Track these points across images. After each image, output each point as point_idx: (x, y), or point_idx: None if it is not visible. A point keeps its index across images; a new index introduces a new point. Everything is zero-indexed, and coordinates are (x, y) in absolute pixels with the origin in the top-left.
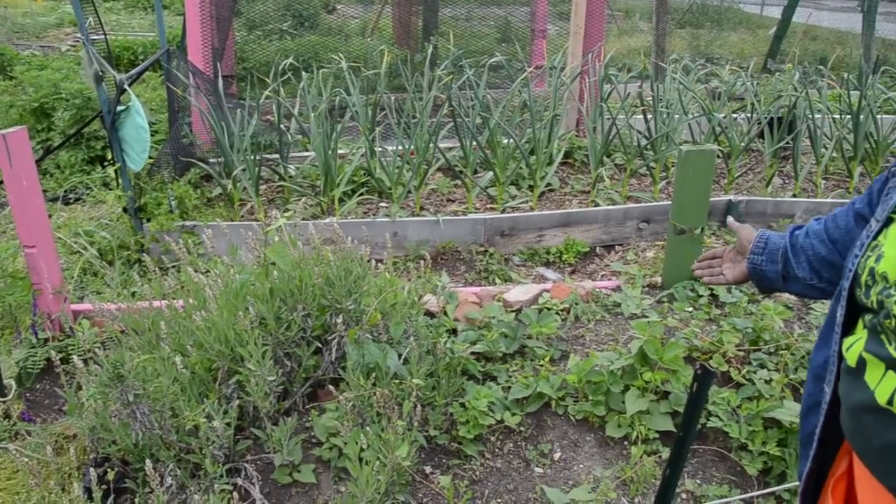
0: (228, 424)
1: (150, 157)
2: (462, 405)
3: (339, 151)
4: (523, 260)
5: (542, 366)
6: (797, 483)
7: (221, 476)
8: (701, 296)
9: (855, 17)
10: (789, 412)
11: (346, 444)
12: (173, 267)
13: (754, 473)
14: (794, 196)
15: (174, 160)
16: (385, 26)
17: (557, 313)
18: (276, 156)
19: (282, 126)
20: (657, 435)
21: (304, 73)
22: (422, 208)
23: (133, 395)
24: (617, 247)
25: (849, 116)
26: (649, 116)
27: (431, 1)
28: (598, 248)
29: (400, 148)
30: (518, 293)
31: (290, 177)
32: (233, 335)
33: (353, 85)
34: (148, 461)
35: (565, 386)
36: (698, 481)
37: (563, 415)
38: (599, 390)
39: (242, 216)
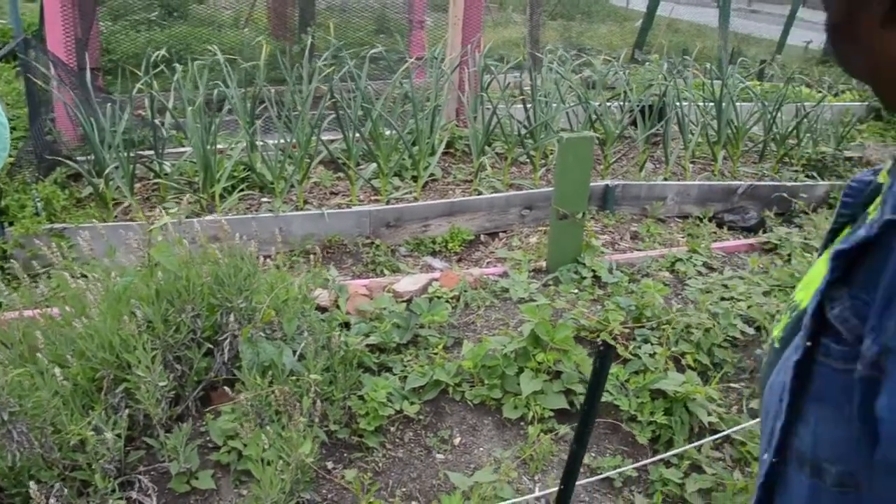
0: (118, 436)
1: (10, 156)
2: (360, 398)
3: (218, 146)
4: (410, 250)
5: (436, 354)
6: (684, 448)
7: (113, 491)
8: (584, 277)
9: (712, 11)
10: (673, 382)
11: (245, 445)
12: (44, 273)
13: (645, 442)
14: (665, 179)
15: (38, 159)
16: (259, 17)
17: (447, 301)
18: (151, 152)
19: (156, 121)
20: (552, 413)
21: (177, 65)
22: (305, 202)
23: (8, 414)
24: (501, 234)
25: (712, 104)
26: (528, 106)
27: None
28: (482, 235)
29: (282, 141)
30: (408, 283)
31: (166, 174)
32: (118, 341)
33: (231, 77)
34: (32, 483)
35: (461, 372)
36: (593, 454)
37: (461, 400)
38: (494, 374)
39: (116, 216)
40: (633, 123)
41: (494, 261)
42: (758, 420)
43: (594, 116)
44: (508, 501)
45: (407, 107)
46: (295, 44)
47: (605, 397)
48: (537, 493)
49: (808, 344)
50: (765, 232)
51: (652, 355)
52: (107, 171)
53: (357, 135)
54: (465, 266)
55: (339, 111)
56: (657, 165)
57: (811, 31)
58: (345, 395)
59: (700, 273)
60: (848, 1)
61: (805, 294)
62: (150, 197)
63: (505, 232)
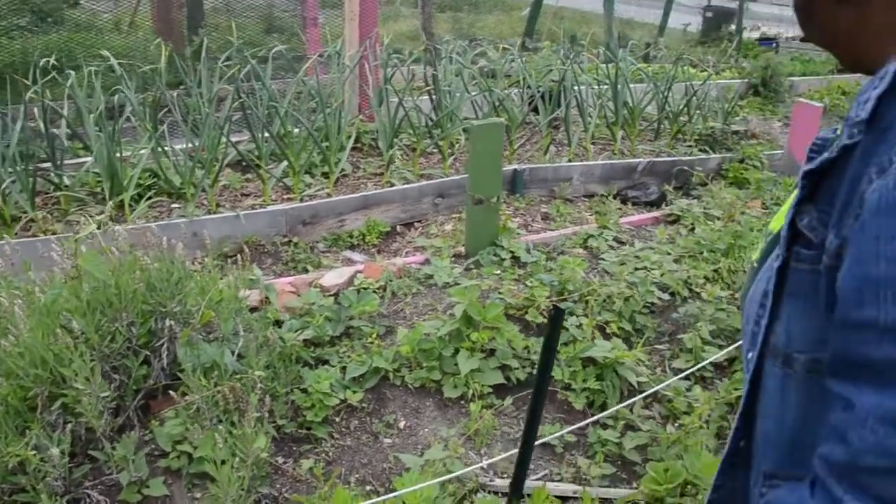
0: (63, 452)
1: None
2: (304, 391)
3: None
4: (328, 246)
5: (371, 343)
6: (617, 408)
7: None
8: (504, 259)
9: None
10: (602, 349)
11: (196, 448)
12: None
13: (581, 407)
14: (570, 161)
15: None
16: (143, 20)
17: (374, 292)
18: (48, 164)
19: (52, 131)
20: (490, 389)
21: (71, 72)
22: (217, 205)
23: None
24: (416, 223)
25: (607, 87)
26: (434, 97)
27: None
28: (398, 226)
29: (190, 146)
30: (333, 277)
31: (66, 186)
32: (51, 356)
33: (128, 83)
34: None
35: (399, 358)
36: None
37: (401, 385)
38: (432, 356)
39: (17, 233)
40: (535, 109)
41: (413, 250)
42: (680, 376)
43: (497, 104)
44: (462, 470)
45: (311, 104)
46: (186, 46)
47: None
48: (485, 463)
49: (786, 252)
50: (666, 205)
51: (579, 326)
52: (3, 186)
53: (266, 134)
54: (386, 257)
55: (245, 111)
56: (560, 148)
57: (688, 15)
58: (288, 389)
59: (611, 247)
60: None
61: (778, 223)
62: (51, 211)
63: (420, 221)
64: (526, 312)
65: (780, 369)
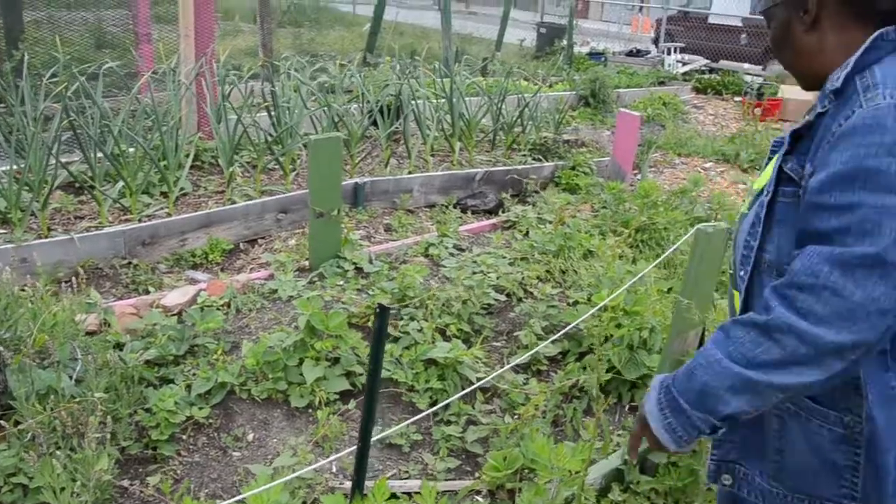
0: None
1: None
2: (148, 411)
3: None
4: (170, 266)
5: (216, 359)
6: (448, 401)
7: None
8: (347, 270)
9: (433, 14)
10: (442, 350)
11: (32, 478)
12: None
13: (424, 406)
14: (410, 173)
15: None
16: None
17: (219, 309)
18: None
19: None
20: (337, 396)
21: None
22: (49, 229)
23: None
24: (260, 240)
25: (444, 100)
26: (273, 112)
27: (11, 4)
28: (241, 244)
29: (15, 168)
30: (176, 297)
31: None
32: None
33: None
34: None
35: (245, 371)
36: (380, 427)
37: (248, 398)
38: (277, 368)
39: None
40: (375, 123)
41: (258, 266)
42: (508, 367)
43: (336, 119)
44: (304, 469)
45: (147, 122)
46: (5, 61)
47: (384, 373)
48: (331, 458)
49: (774, 189)
50: (503, 212)
51: (420, 330)
52: None
53: (99, 154)
54: (230, 274)
55: (76, 130)
56: (401, 161)
57: (524, 30)
58: (131, 411)
59: (451, 254)
60: (784, 24)
61: (759, 183)
62: None
63: (264, 238)
64: (368, 320)
65: (774, 279)
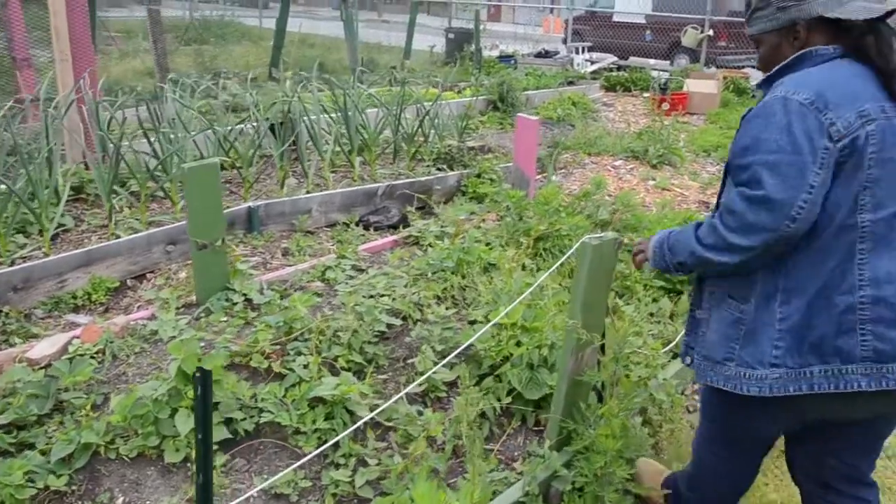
0: None
1: None
2: None
3: None
4: (48, 311)
5: (84, 416)
6: (332, 441)
7: None
8: (236, 303)
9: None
10: (328, 387)
11: None
12: None
13: (311, 450)
14: (308, 192)
15: None
16: None
17: (93, 357)
18: None
19: None
20: (217, 446)
21: None
22: None
23: None
24: (149, 274)
25: (340, 114)
26: (152, 139)
27: None
28: (128, 280)
29: None
30: (44, 348)
31: None
32: None
33: None
34: None
35: (112, 428)
36: (266, 476)
37: (118, 458)
38: (147, 421)
39: None
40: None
41: (145, 304)
42: (416, 404)
43: (224, 141)
44: None
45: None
46: None
47: (266, 416)
48: None
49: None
50: (406, 227)
51: (305, 366)
52: None
53: None
54: (114, 315)
55: None
56: (301, 180)
57: (435, 36)
58: None
59: (349, 277)
60: (775, 46)
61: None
62: None
63: (153, 272)
64: (251, 358)
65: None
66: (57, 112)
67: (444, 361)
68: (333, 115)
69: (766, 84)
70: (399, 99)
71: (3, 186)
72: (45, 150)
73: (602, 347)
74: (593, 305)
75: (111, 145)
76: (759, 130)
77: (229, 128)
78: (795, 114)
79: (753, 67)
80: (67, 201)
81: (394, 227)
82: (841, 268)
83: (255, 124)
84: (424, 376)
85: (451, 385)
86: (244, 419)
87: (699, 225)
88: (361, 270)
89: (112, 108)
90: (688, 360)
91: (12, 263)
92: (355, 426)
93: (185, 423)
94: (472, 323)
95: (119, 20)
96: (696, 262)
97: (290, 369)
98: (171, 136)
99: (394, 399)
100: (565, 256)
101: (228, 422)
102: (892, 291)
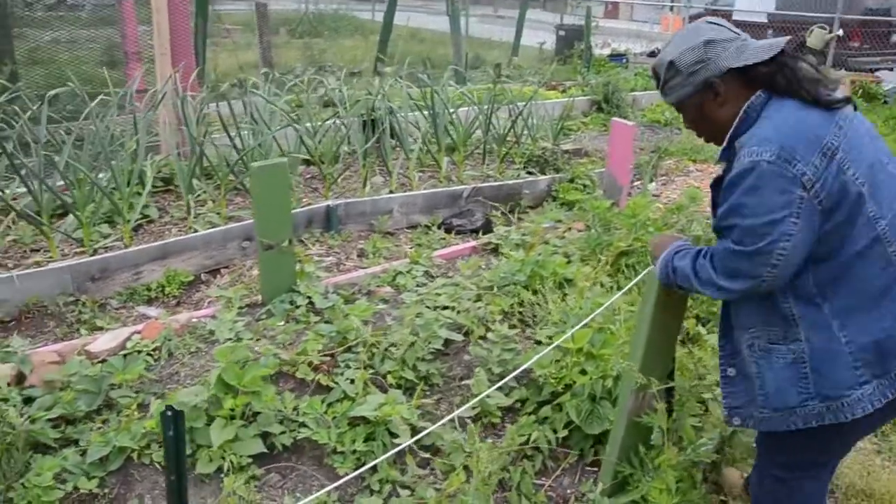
0: None
1: None
2: (23, 485)
3: None
4: (123, 302)
5: (127, 416)
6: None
7: None
8: (299, 306)
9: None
10: (370, 406)
11: None
12: None
13: (345, 472)
14: (391, 192)
15: None
16: None
17: (150, 354)
18: None
19: None
20: (251, 460)
21: None
22: None
23: None
24: (223, 269)
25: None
26: (234, 134)
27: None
28: (202, 274)
29: None
30: (105, 341)
31: None
32: None
33: None
34: None
35: (150, 433)
36: (298, 495)
37: (150, 464)
38: None
39: None
40: (368, 138)
41: (215, 300)
42: (441, 422)
43: (314, 137)
44: None
45: (111, 147)
46: None
47: (305, 432)
48: None
49: (713, 212)
50: (489, 232)
51: (352, 381)
52: None
53: (43, 185)
54: (185, 310)
55: (14, 161)
56: (388, 179)
57: (547, 33)
58: (5, 486)
59: (419, 284)
60: (699, 108)
61: None
62: None
63: (227, 267)
64: (298, 369)
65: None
66: (153, 104)
67: (498, 385)
68: (426, 112)
69: (726, 151)
70: (491, 97)
71: (103, 176)
72: (135, 140)
73: (671, 375)
74: (660, 341)
75: (202, 139)
76: (736, 197)
77: (318, 123)
78: (766, 176)
79: (890, 70)
80: (156, 192)
81: (476, 232)
82: (885, 271)
83: (343, 120)
84: (476, 398)
85: (508, 411)
86: (283, 433)
87: (698, 254)
88: (434, 277)
89: (198, 102)
90: (737, 420)
91: (94, 253)
92: (391, 453)
93: (219, 434)
94: (538, 343)
95: (238, 13)
96: (696, 291)
97: (336, 384)
98: (254, 131)
99: (440, 423)
100: (638, 277)
101: (266, 436)
102: None
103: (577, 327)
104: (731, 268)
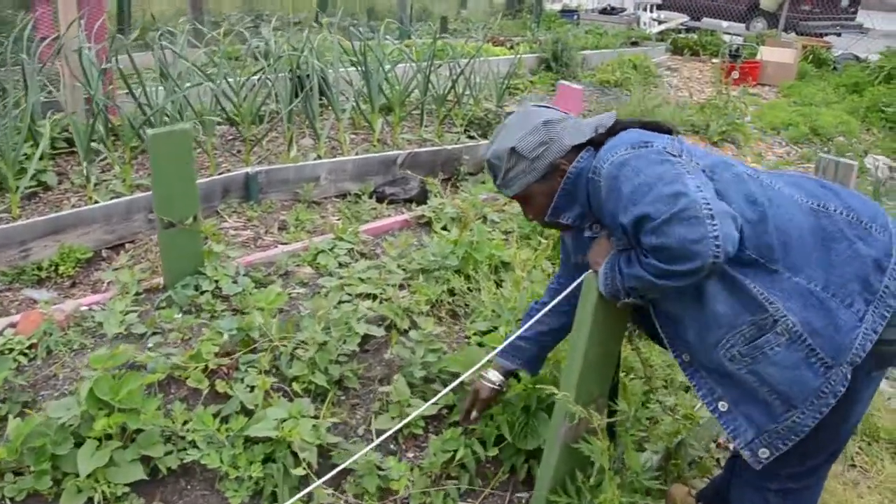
0: None
1: None
2: None
3: None
4: (8, 283)
5: None
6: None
7: None
8: (205, 291)
9: None
10: (267, 424)
11: None
12: None
13: (239, 503)
14: (319, 157)
15: None
16: None
17: (24, 353)
18: None
19: None
20: (127, 489)
21: None
22: None
23: None
24: (127, 245)
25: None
26: (145, 90)
27: None
28: (103, 250)
29: None
30: None
31: None
32: None
33: None
34: None
35: (3, 462)
36: None
37: (2, 500)
38: (44, 456)
39: None
40: (297, 96)
41: (108, 284)
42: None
43: (222, 97)
44: None
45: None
46: None
47: (193, 454)
48: None
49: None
50: (425, 202)
51: (251, 388)
52: None
53: None
54: (80, 292)
55: None
56: (317, 142)
57: None
58: None
59: (341, 265)
60: (548, 193)
61: None
62: None
63: (133, 242)
64: (189, 375)
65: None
66: (31, 55)
67: (424, 406)
68: (359, 68)
69: (581, 220)
70: (430, 54)
71: None
72: (30, 97)
73: (614, 391)
74: (599, 359)
75: (105, 95)
76: (623, 195)
77: (241, 79)
78: (634, 160)
79: (838, 35)
80: (59, 156)
81: (411, 202)
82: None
83: (270, 77)
84: (393, 429)
85: (432, 420)
86: (168, 454)
87: (640, 254)
88: (363, 255)
89: (101, 52)
90: (765, 453)
91: None
92: (293, 483)
93: (87, 460)
94: (469, 338)
95: None
96: (651, 287)
97: (235, 392)
98: (166, 88)
99: (350, 441)
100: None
101: (146, 460)
102: None
103: (517, 333)
104: (672, 247)
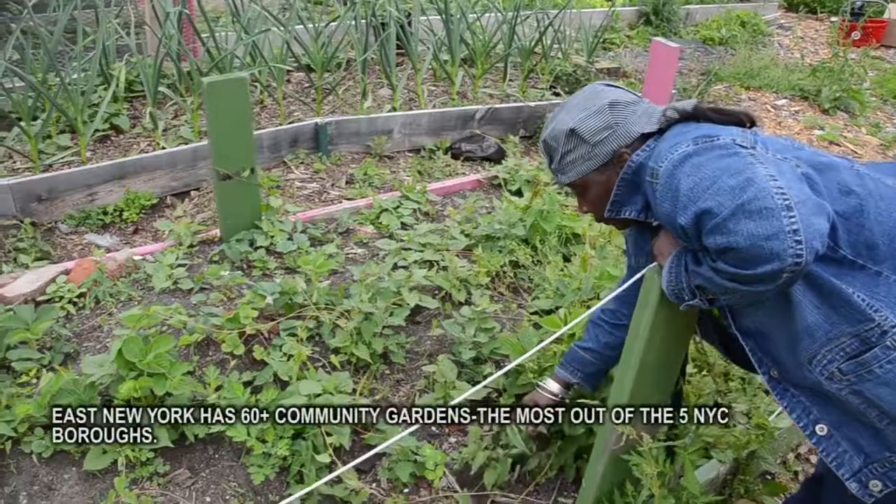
0: None
1: None
2: None
3: None
4: (74, 226)
5: (23, 383)
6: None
7: None
8: (259, 247)
9: None
10: (302, 397)
11: None
12: None
13: (259, 481)
14: (394, 109)
15: None
16: None
17: (73, 302)
18: None
19: None
20: (153, 454)
21: None
22: None
23: None
24: (193, 192)
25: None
26: (205, 36)
27: None
28: (168, 197)
29: None
30: (25, 282)
31: None
32: None
33: None
34: None
35: (32, 418)
36: (208, 498)
37: (31, 454)
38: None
39: None
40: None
41: (168, 233)
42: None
43: (295, 43)
44: None
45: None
46: None
47: (219, 426)
48: None
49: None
50: (502, 162)
51: (287, 358)
52: None
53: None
54: (142, 239)
55: None
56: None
57: None
58: None
59: (404, 225)
60: (606, 183)
61: None
62: None
63: (198, 190)
64: (225, 339)
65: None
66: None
67: (470, 392)
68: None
69: (643, 214)
70: (518, 3)
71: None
72: (103, 40)
73: (677, 400)
74: (658, 365)
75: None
76: (682, 192)
77: (320, 25)
78: (697, 155)
79: None
80: (136, 99)
81: (488, 160)
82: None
83: (348, 23)
84: (419, 424)
85: (480, 403)
86: (197, 422)
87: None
88: (428, 215)
89: None
90: (877, 485)
91: (46, 169)
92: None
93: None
94: (534, 316)
95: None
96: (719, 292)
97: (265, 362)
98: (231, 33)
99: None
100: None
101: (175, 424)
102: None
103: (581, 317)
104: (741, 247)
